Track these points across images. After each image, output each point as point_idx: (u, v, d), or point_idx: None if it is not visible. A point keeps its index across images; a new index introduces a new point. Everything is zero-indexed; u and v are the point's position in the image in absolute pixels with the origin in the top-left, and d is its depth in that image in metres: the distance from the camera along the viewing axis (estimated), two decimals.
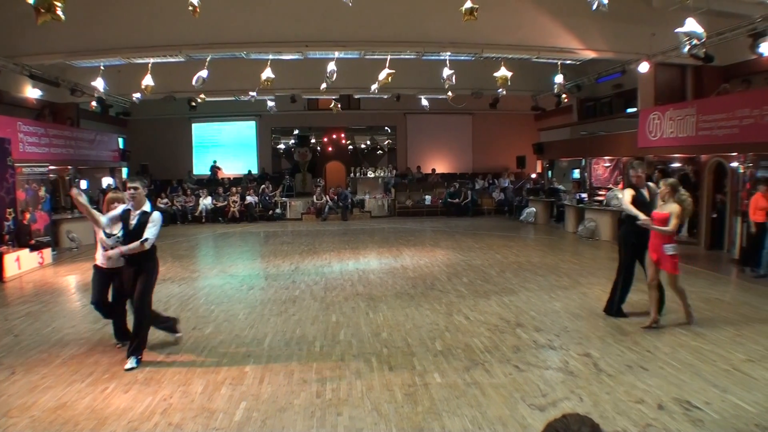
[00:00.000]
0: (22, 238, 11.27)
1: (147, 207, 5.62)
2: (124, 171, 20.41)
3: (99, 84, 12.56)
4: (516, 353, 5.63)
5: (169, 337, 6.12)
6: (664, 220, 6.23)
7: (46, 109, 15.93)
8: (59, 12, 5.20)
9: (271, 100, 18.26)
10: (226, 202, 19.98)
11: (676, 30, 9.44)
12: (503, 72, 11.88)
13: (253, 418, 4.29)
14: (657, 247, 6.34)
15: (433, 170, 23.91)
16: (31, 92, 14.94)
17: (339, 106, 17.81)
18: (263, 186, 21.15)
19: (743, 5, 10.23)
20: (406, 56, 13.06)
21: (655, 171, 12.48)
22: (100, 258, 5.87)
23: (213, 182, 22.62)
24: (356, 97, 21.10)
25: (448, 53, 12.64)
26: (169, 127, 23.45)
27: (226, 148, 24.72)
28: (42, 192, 12.53)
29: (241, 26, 11.62)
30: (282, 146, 25.67)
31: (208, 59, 12.06)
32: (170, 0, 10.37)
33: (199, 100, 16.56)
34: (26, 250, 10.88)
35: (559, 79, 13.66)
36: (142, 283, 5.52)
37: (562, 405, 4.40)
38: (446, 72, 12.19)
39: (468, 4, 7.60)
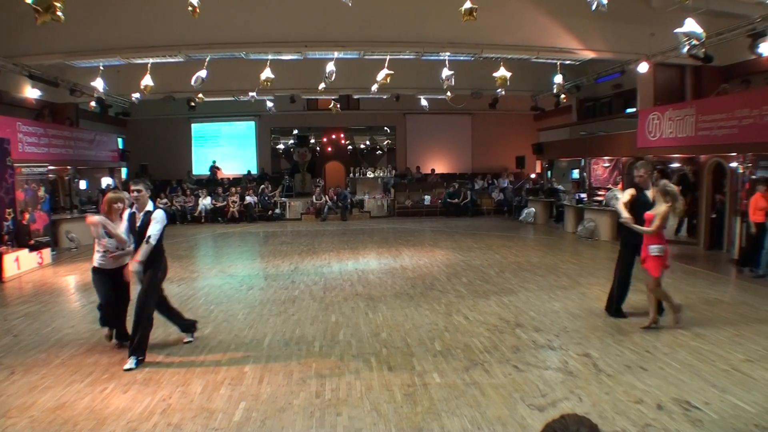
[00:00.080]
0: (21, 239, 11.26)
1: (150, 207, 5.70)
2: (124, 171, 20.41)
3: (98, 84, 12.56)
4: (515, 353, 5.64)
5: (184, 336, 6.14)
6: (650, 221, 6.23)
7: (45, 109, 15.93)
8: (59, 13, 5.20)
9: (270, 100, 18.26)
10: (225, 203, 19.98)
11: (676, 30, 9.45)
12: (502, 72, 11.88)
13: (253, 418, 4.29)
14: (645, 247, 6.35)
15: (433, 170, 23.92)
16: (31, 92, 14.93)
17: (338, 106, 17.80)
18: (262, 186, 21.15)
19: (742, 5, 10.25)
20: (406, 56, 13.06)
21: (654, 171, 12.47)
22: (99, 260, 5.85)
23: (212, 182, 22.62)
24: (356, 97, 21.07)
25: (448, 53, 12.64)
26: (168, 127, 23.44)
27: (225, 148, 24.72)
28: (41, 192, 12.53)
29: (241, 26, 11.63)
30: (281, 146, 25.67)
31: (207, 59, 12.06)
32: (169, 0, 10.37)
33: (197, 101, 16.53)
34: (25, 251, 10.88)
35: (558, 79, 13.67)
36: (146, 282, 5.58)
37: (561, 405, 4.40)
38: (445, 73, 12.18)
39: (467, 5, 7.60)
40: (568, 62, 13.95)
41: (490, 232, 16.08)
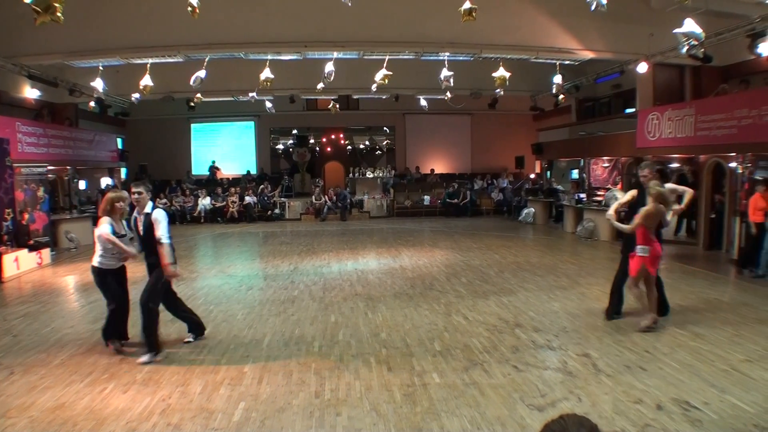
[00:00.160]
0: (20, 239, 11.26)
1: (148, 208, 5.77)
2: (123, 171, 20.40)
3: (98, 84, 12.55)
4: (515, 353, 5.64)
5: (185, 336, 6.15)
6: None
7: (44, 109, 15.92)
8: (58, 13, 5.19)
9: (270, 100, 18.26)
10: (224, 203, 19.98)
11: (675, 30, 9.46)
12: (502, 72, 11.89)
13: (252, 418, 4.29)
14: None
15: (432, 170, 23.92)
16: (30, 92, 14.92)
17: (337, 106, 17.81)
18: (262, 186, 21.15)
19: (741, 5, 10.25)
20: (405, 56, 13.06)
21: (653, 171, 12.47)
22: (104, 260, 5.79)
23: (212, 182, 22.62)
24: (355, 97, 21.09)
25: (447, 53, 12.64)
26: (167, 127, 23.43)
27: (224, 148, 24.72)
28: (40, 192, 12.52)
29: (240, 26, 11.62)
30: (281, 146, 25.68)
31: (206, 60, 12.07)
32: (169, 0, 10.37)
33: (196, 101, 16.52)
34: (25, 251, 10.88)
35: (557, 79, 13.68)
36: (152, 280, 5.71)
37: (560, 405, 4.40)
38: (443, 73, 12.17)
39: (467, 5, 7.60)
40: (567, 62, 13.96)
41: (489, 232, 16.08)
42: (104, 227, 5.70)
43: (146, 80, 11.62)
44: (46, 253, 11.62)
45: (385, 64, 11.81)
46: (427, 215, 20.96)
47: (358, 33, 11.96)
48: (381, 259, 11.57)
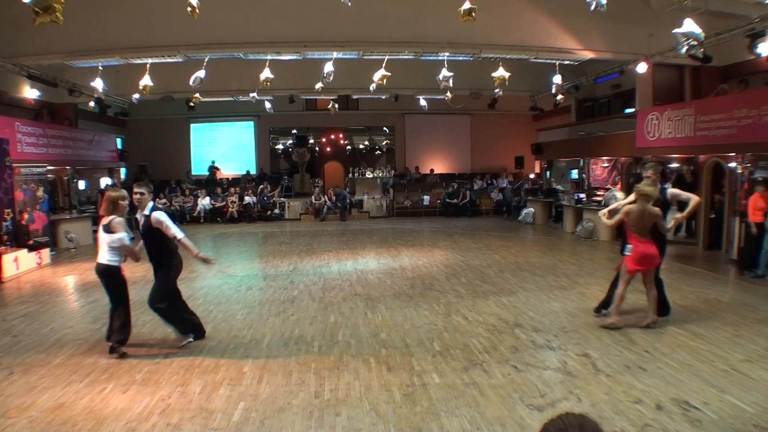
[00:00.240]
0: (20, 239, 11.25)
1: (147, 210, 5.82)
2: (123, 171, 20.39)
3: (97, 84, 12.54)
4: (514, 353, 5.64)
5: (178, 338, 6.10)
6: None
7: (44, 109, 15.91)
8: (58, 14, 5.18)
9: (269, 100, 18.26)
10: (224, 203, 19.98)
11: (675, 31, 9.45)
12: (501, 72, 11.89)
13: (252, 418, 4.28)
14: None
15: (432, 170, 23.92)
16: (30, 92, 14.92)
17: (336, 106, 17.81)
18: (261, 186, 21.15)
19: (741, 6, 10.25)
20: (405, 56, 13.06)
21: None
22: (116, 258, 5.74)
23: (211, 182, 22.61)
24: (354, 97, 21.11)
25: (447, 53, 12.65)
26: (167, 127, 23.43)
27: (224, 148, 24.72)
28: (40, 192, 12.51)
29: (240, 26, 11.63)
30: (280, 146, 25.69)
31: (206, 60, 12.07)
32: (169, 0, 10.37)
33: (194, 102, 16.52)
34: (24, 251, 10.87)
35: (557, 79, 13.68)
36: (157, 282, 5.85)
37: (560, 405, 4.40)
38: (442, 74, 12.16)
39: (466, 5, 7.61)
40: (567, 62, 13.96)
41: (489, 232, 16.08)
42: (123, 236, 5.64)
43: (146, 80, 11.61)
44: (46, 253, 11.61)
45: (384, 64, 11.81)
46: (427, 215, 20.96)
47: (358, 33, 11.96)
48: (380, 259, 11.58)
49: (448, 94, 15.66)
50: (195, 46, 11.91)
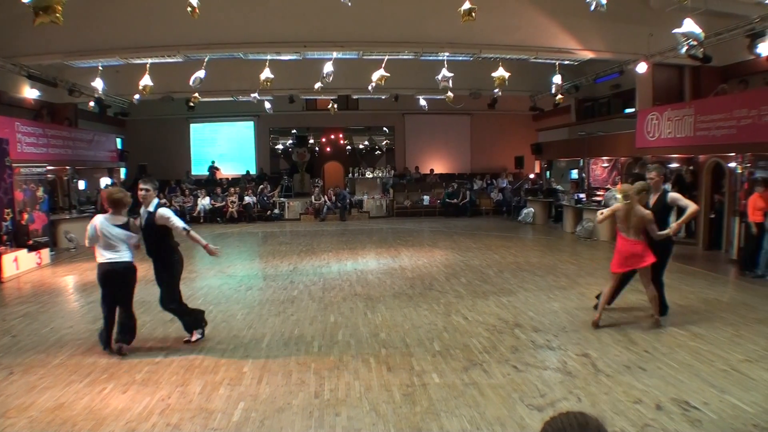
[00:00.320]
0: (20, 239, 11.24)
1: (152, 207, 5.86)
2: (122, 171, 20.39)
3: (97, 84, 12.54)
4: (514, 353, 5.64)
5: (185, 336, 6.16)
6: None
7: (44, 109, 15.92)
8: (58, 15, 5.18)
9: (269, 100, 18.26)
10: (224, 203, 19.97)
11: (674, 31, 9.45)
12: (501, 72, 11.89)
13: (252, 418, 4.28)
14: None
15: (432, 170, 23.92)
16: (29, 92, 14.92)
17: (335, 106, 17.81)
18: (261, 186, 21.15)
19: (741, 6, 10.26)
20: (405, 56, 13.07)
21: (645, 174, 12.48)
22: (131, 256, 5.80)
23: (211, 182, 22.61)
24: (354, 97, 21.11)
25: (447, 54, 12.65)
26: (167, 127, 23.44)
27: (224, 148, 24.72)
28: (40, 192, 12.50)
29: (240, 26, 11.63)
30: (280, 146, 25.69)
31: (206, 60, 12.07)
32: (168, 0, 10.37)
33: (193, 101, 16.52)
34: (24, 251, 10.87)
35: (557, 79, 13.68)
36: (165, 280, 5.90)
37: (560, 405, 4.40)
38: (441, 74, 12.15)
39: (466, 5, 7.61)
40: (566, 62, 13.97)
41: (488, 232, 16.08)
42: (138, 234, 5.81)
43: (146, 80, 11.61)
44: (46, 253, 11.61)
45: (384, 64, 11.81)
46: (427, 215, 20.96)
47: (358, 33, 11.96)
48: (380, 259, 11.57)
49: (450, 93, 15.64)
50: (195, 46, 11.91)
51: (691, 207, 6.42)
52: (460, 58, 13.54)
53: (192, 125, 24.40)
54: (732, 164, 10.99)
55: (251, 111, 22.64)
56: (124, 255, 5.67)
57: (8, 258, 10.16)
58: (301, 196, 22.51)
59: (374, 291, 8.62)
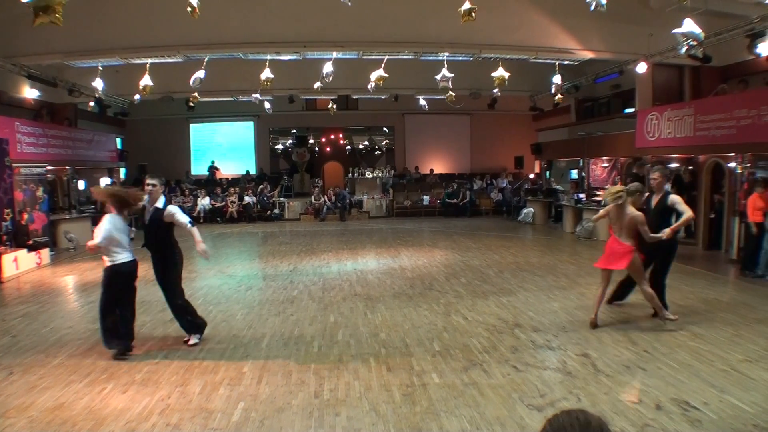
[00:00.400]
0: (19, 239, 11.24)
1: (160, 203, 5.85)
2: (122, 171, 20.39)
3: (97, 84, 12.54)
4: (514, 353, 5.64)
5: (185, 336, 6.15)
6: None
7: (43, 109, 15.91)
8: (58, 15, 5.17)
9: (269, 100, 18.26)
10: (224, 203, 19.97)
11: (674, 31, 9.45)
12: (501, 72, 11.89)
13: (251, 418, 4.28)
14: None
15: (431, 170, 23.92)
16: (29, 92, 14.91)
17: (335, 107, 17.80)
18: (261, 186, 21.15)
19: (741, 6, 10.26)
20: (404, 56, 13.06)
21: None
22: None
23: (211, 183, 22.61)
24: (354, 97, 21.10)
25: (446, 54, 12.65)
26: (167, 127, 23.44)
27: (224, 148, 24.73)
28: (40, 192, 12.50)
29: (240, 26, 11.62)
30: (280, 146, 25.69)
31: (206, 60, 12.06)
32: (168, 0, 10.37)
33: (193, 101, 16.50)
34: (24, 251, 10.87)
35: (557, 79, 13.67)
36: (165, 275, 5.89)
37: (560, 405, 4.40)
38: (441, 74, 12.13)
39: (466, 5, 7.60)
40: (566, 62, 13.97)
41: (488, 232, 16.08)
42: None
43: (146, 80, 11.61)
44: (45, 253, 11.61)
45: (384, 64, 11.80)
46: (427, 215, 20.96)
47: (358, 33, 11.95)
48: (380, 260, 11.57)
49: (451, 93, 15.60)
50: (195, 46, 11.90)
51: (686, 214, 6.43)
52: (460, 58, 13.53)
53: (192, 125, 24.40)
54: (732, 164, 10.99)
55: (251, 111, 22.64)
56: (132, 254, 5.73)
57: (8, 258, 10.16)
58: (300, 196, 22.51)
59: (374, 291, 8.62)
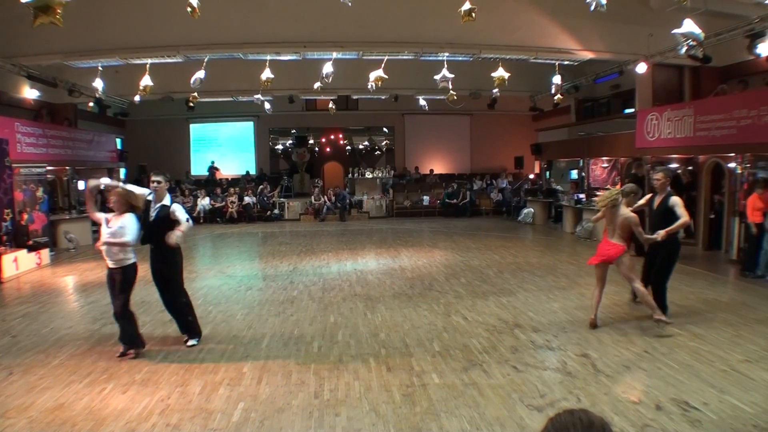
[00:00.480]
0: (19, 239, 11.24)
1: (167, 201, 5.89)
2: (122, 171, 20.38)
3: (97, 84, 12.53)
4: (514, 354, 5.64)
5: (185, 338, 6.15)
6: None
7: (43, 109, 15.91)
8: (58, 17, 5.17)
9: (268, 100, 18.26)
10: (224, 203, 19.96)
11: (674, 31, 9.45)
12: (501, 72, 11.89)
13: (251, 418, 4.29)
14: None
15: (431, 171, 23.92)
16: (29, 93, 14.91)
17: (334, 107, 17.80)
18: (261, 186, 21.14)
19: (740, 6, 10.27)
20: (404, 57, 13.06)
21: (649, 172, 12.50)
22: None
23: (211, 183, 22.61)
24: (354, 97, 21.11)
25: (446, 54, 12.64)
26: (166, 127, 23.44)
27: (224, 148, 24.73)
28: (39, 193, 12.50)
29: (240, 27, 11.62)
30: (280, 147, 25.70)
31: (205, 60, 12.06)
32: (169, 0, 10.37)
33: (192, 101, 16.50)
34: (24, 251, 10.87)
35: (557, 79, 13.67)
36: (169, 274, 5.90)
37: (560, 405, 4.40)
38: (441, 75, 12.12)
39: (466, 5, 7.60)
40: (566, 63, 13.96)
41: (488, 232, 16.08)
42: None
43: (146, 80, 11.61)
44: (45, 253, 11.60)
45: (383, 65, 11.80)
46: (427, 215, 20.96)
47: (358, 33, 11.95)
48: (380, 260, 11.57)
49: (452, 93, 15.57)
50: (195, 46, 11.90)
51: (682, 219, 6.44)
52: (460, 59, 13.52)
53: (192, 125, 24.40)
54: (732, 164, 10.99)
55: (251, 111, 22.64)
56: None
57: (8, 258, 10.16)
58: (300, 196, 22.51)
59: (374, 291, 8.62)
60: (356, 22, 11.48)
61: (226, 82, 16.35)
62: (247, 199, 20.11)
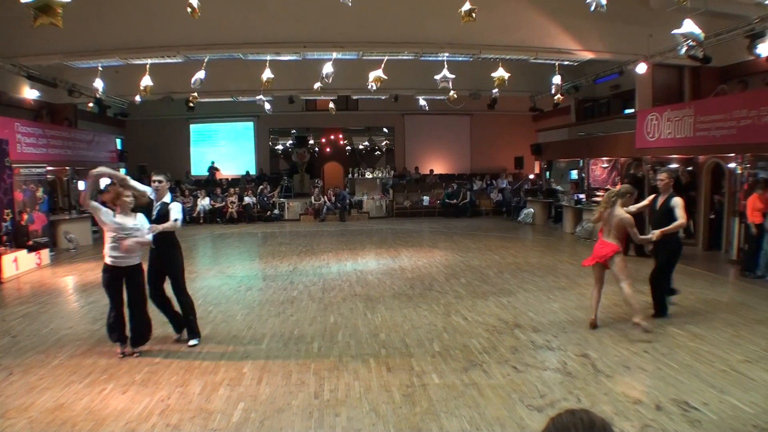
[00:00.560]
0: (19, 239, 11.24)
1: (167, 198, 5.99)
2: (122, 172, 20.36)
3: (97, 85, 12.53)
4: (514, 354, 5.64)
5: (173, 334, 6.19)
6: None
7: (43, 109, 15.91)
8: (58, 17, 5.17)
9: (268, 101, 18.25)
10: (223, 203, 19.96)
11: (674, 31, 9.45)
12: (501, 72, 11.88)
13: (251, 418, 4.28)
14: None
15: (431, 171, 23.92)
16: (29, 93, 14.91)
17: (334, 108, 17.79)
18: (261, 187, 21.14)
19: (740, 6, 10.27)
20: (404, 57, 13.05)
21: (649, 172, 12.52)
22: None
23: (211, 183, 22.61)
24: (354, 97, 21.11)
25: (446, 54, 12.63)
26: (166, 127, 23.43)
27: (224, 148, 24.73)
28: (39, 193, 12.51)
29: (239, 27, 11.62)
30: (280, 147, 25.70)
31: (205, 60, 12.06)
32: (168, 1, 10.37)
33: (192, 101, 16.49)
34: (24, 251, 10.86)
35: (557, 80, 13.67)
36: (171, 272, 5.97)
37: (560, 406, 4.40)
38: (442, 75, 12.12)
39: (466, 6, 7.60)
40: (566, 63, 13.95)
41: (488, 232, 16.08)
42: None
43: (146, 80, 11.61)
44: (45, 253, 11.60)
45: (383, 65, 11.79)
46: (427, 216, 20.95)
47: (358, 33, 11.94)
48: (380, 260, 11.57)
49: (452, 93, 15.56)
50: (195, 46, 11.89)
51: (679, 220, 6.48)
52: (460, 59, 13.52)
53: (192, 125, 24.40)
54: (732, 165, 10.99)
55: (251, 111, 22.64)
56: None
57: (8, 258, 10.16)
58: (300, 196, 22.52)
59: (374, 291, 8.62)
60: (356, 22, 11.47)
61: (226, 82, 16.35)
62: (247, 200, 20.11)
